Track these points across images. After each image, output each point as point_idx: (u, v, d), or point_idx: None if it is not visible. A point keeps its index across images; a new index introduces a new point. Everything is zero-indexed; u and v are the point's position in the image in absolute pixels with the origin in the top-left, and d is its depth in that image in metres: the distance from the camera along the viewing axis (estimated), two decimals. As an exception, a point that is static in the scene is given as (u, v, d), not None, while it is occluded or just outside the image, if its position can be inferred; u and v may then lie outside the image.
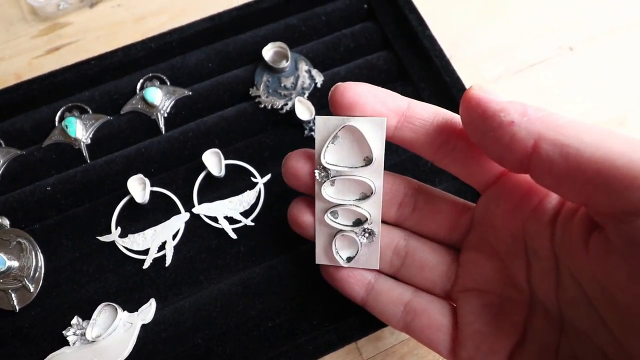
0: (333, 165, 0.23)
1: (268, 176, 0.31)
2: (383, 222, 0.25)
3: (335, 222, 0.24)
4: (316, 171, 0.23)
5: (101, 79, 0.34)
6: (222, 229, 0.30)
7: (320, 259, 0.25)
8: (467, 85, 0.32)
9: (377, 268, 0.25)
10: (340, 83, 0.22)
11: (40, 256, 0.29)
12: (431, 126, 0.22)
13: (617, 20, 0.39)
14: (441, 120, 0.22)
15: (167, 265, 0.29)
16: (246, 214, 0.30)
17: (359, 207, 0.23)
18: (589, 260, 0.18)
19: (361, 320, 0.27)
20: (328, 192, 0.24)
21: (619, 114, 0.37)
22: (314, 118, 0.32)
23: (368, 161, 0.23)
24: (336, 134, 0.22)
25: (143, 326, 0.27)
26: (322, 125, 0.23)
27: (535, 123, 0.18)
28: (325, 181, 0.23)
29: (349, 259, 0.24)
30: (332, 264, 0.25)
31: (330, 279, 0.26)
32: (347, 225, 0.24)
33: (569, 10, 0.40)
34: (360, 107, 0.22)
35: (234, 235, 0.30)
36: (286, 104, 0.32)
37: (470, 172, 0.23)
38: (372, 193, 0.23)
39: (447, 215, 0.24)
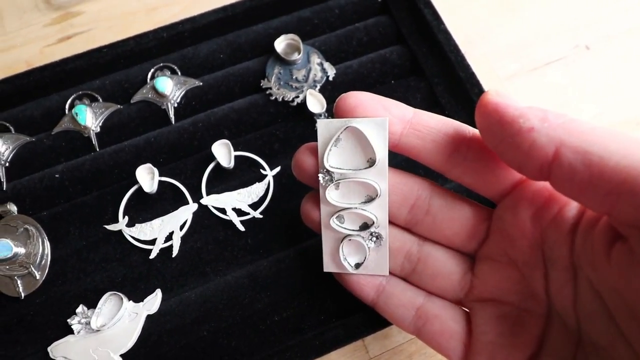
0: (336, 168, 0.22)
1: (277, 169, 0.31)
2: (393, 224, 0.24)
3: (341, 227, 0.23)
4: (320, 175, 0.23)
5: (112, 68, 0.33)
6: (230, 221, 0.29)
7: (328, 266, 0.24)
8: (481, 82, 0.32)
9: (387, 274, 0.24)
10: (344, 94, 0.22)
11: (47, 243, 0.29)
12: (439, 134, 0.21)
13: (634, 21, 0.38)
14: (450, 128, 0.21)
15: (173, 256, 0.29)
16: (255, 206, 0.30)
17: (364, 210, 0.23)
18: (610, 271, 0.17)
19: (369, 317, 0.26)
20: (333, 196, 0.23)
21: (635, 115, 0.36)
22: (325, 111, 0.32)
23: (372, 162, 0.22)
24: (338, 136, 0.22)
25: (148, 317, 0.27)
26: (324, 128, 0.22)
27: (557, 129, 0.17)
28: (329, 185, 0.23)
29: (358, 265, 0.24)
30: (341, 272, 0.24)
31: (340, 279, 0.25)
32: (353, 230, 0.23)
33: (586, 9, 0.39)
34: (362, 110, 0.21)
35: (241, 227, 0.29)
36: (297, 97, 0.32)
37: (484, 183, 0.22)
38: (377, 195, 0.22)
39: (464, 223, 0.23)
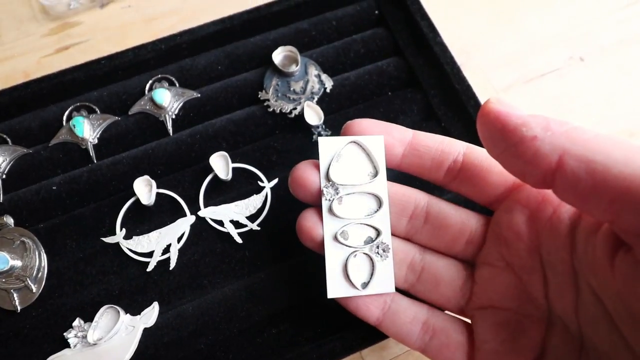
0: (339, 183, 0.23)
1: (275, 180, 0.31)
2: (393, 235, 0.24)
3: (346, 243, 0.24)
4: (324, 189, 0.23)
5: (110, 79, 0.33)
6: (228, 233, 0.29)
7: (333, 291, 0.24)
8: (477, 93, 0.32)
9: (393, 290, 0.24)
10: (349, 121, 0.24)
11: (44, 256, 0.29)
12: (436, 152, 0.23)
13: (627, 32, 0.39)
14: (445, 145, 0.23)
15: (171, 268, 0.29)
16: (252, 218, 0.30)
17: (368, 223, 0.24)
18: (614, 278, 0.17)
19: (366, 330, 0.26)
20: (337, 210, 0.24)
21: (629, 126, 0.36)
22: (323, 123, 0.32)
23: (372, 176, 0.24)
24: (339, 152, 0.24)
25: (145, 330, 0.27)
26: (326, 145, 0.24)
27: (560, 138, 0.17)
28: (334, 199, 0.23)
29: (364, 285, 0.24)
30: (347, 295, 0.24)
31: (344, 302, 0.25)
32: (358, 245, 0.24)
33: (580, 21, 0.39)
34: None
35: (239, 240, 0.29)
36: (295, 108, 0.32)
37: (478, 192, 0.23)
38: (379, 207, 0.24)
39: (461, 228, 0.23)
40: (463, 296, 0.24)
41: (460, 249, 0.24)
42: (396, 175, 0.30)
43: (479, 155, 0.23)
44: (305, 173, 0.24)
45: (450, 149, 0.23)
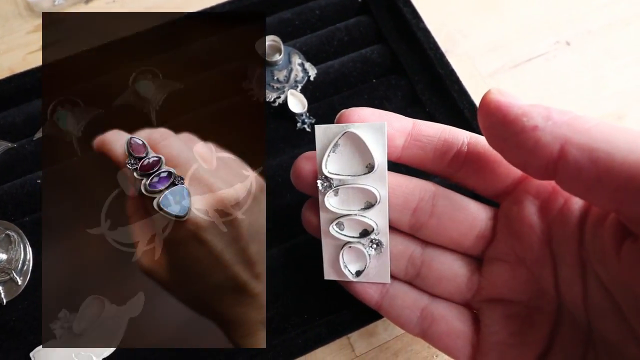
0: (335, 174, 0.22)
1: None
2: (396, 230, 0.24)
3: (341, 234, 0.23)
4: (318, 181, 0.22)
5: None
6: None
7: (328, 274, 0.24)
8: (463, 79, 0.32)
9: (388, 282, 0.24)
10: (344, 109, 0.22)
11: (29, 249, 0.29)
12: (439, 142, 0.22)
13: (614, 15, 0.39)
14: (448, 135, 0.22)
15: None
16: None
17: (364, 217, 0.23)
18: (621, 268, 0.17)
19: (352, 315, 0.26)
20: (331, 202, 0.23)
21: (617, 109, 0.36)
22: (307, 111, 0.32)
23: (370, 168, 0.22)
24: (336, 142, 0.22)
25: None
26: (322, 134, 0.22)
27: (561, 127, 0.17)
28: (328, 191, 0.22)
29: (358, 273, 0.24)
30: (341, 279, 0.24)
31: (343, 283, 0.25)
32: (353, 237, 0.23)
33: (566, 5, 0.39)
34: None
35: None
36: (279, 97, 0.32)
37: (485, 183, 0.22)
38: (377, 201, 0.22)
39: (471, 223, 0.22)
40: (469, 290, 0.23)
41: (470, 245, 0.23)
42: (395, 164, 0.30)
43: (485, 145, 0.21)
44: (302, 164, 0.23)
45: (454, 138, 0.22)
